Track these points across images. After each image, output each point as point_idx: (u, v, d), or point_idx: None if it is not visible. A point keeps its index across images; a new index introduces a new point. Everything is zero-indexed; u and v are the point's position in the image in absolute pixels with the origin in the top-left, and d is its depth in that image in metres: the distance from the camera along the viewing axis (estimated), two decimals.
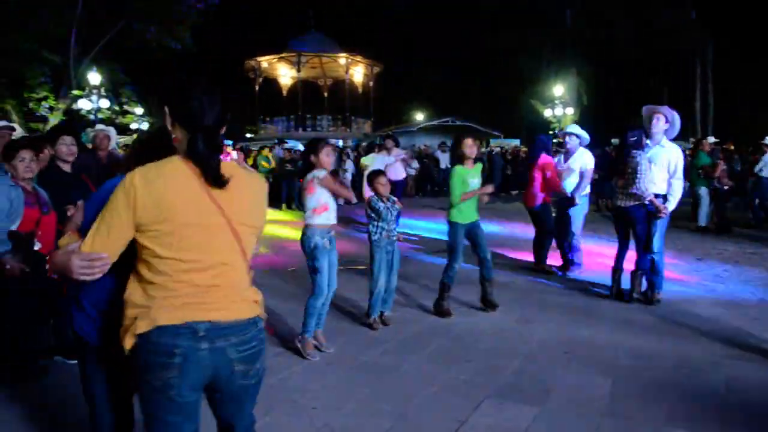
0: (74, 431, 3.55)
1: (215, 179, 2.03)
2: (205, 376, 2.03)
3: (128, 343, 2.00)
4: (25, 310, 4.23)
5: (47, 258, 2.12)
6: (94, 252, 1.99)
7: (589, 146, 8.01)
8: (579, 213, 7.79)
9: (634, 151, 6.11)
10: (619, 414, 3.77)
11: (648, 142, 6.15)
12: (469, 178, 5.93)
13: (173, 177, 2.01)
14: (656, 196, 6.08)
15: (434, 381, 4.31)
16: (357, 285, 7.15)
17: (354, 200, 5.62)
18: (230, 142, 19.47)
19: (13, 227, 4.07)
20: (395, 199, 5.75)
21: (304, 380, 4.35)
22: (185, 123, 2.07)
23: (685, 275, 7.63)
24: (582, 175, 7.68)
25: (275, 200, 15.11)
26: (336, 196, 4.90)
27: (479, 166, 6.19)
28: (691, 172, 11.14)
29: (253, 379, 2.15)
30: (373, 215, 5.54)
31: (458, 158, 6.07)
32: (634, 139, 6.12)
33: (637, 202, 6.14)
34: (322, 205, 4.80)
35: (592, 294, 6.79)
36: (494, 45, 34.88)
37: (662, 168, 6.15)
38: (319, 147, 4.82)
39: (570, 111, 30.04)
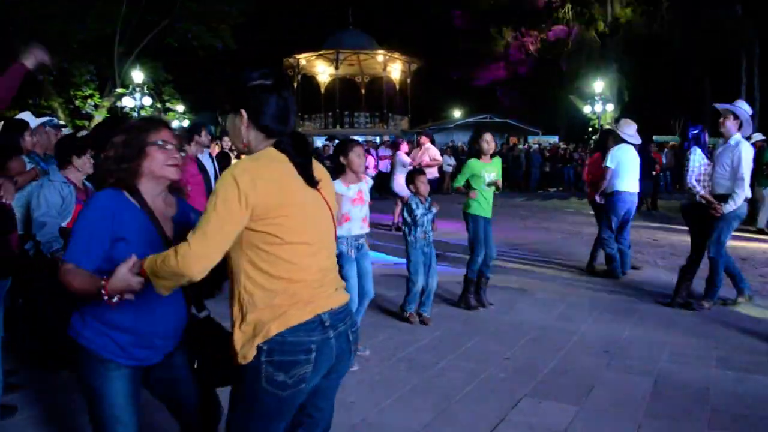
0: None
1: (311, 181, 2.06)
2: (330, 363, 2.06)
3: (251, 350, 1.94)
4: (70, 304, 4.34)
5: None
6: (196, 238, 1.88)
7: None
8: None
9: (692, 147, 6.03)
10: (662, 415, 3.71)
11: (716, 139, 6.06)
12: (483, 171, 5.94)
13: (281, 166, 2.01)
14: (721, 196, 5.80)
15: (473, 378, 4.30)
16: (395, 284, 7.18)
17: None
18: None
19: (64, 224, 4.18)
20: (431, 201, 5.66)
21: None
22: (267, 130, 2.05)
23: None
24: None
25: None
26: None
27: (498, 160, 6.18)
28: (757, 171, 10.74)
29: (353, 359, 2.22)
30: (408, 217, 5.50)
31: (476, 152, 6.07)
32: (694, 133, 6.02)
33: (691, 201, 6.00)
34: (344, 215, 4.63)
35: (634, 293, 6.69)
36: (534, 40, 34.50)
37: (725, 167, 5.85)
38: (349, 147, 4.67)
39: (610, 107, 29.59)
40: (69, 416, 3.73)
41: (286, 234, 1.96)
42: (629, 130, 7.52)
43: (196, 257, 1.86)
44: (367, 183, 4.82)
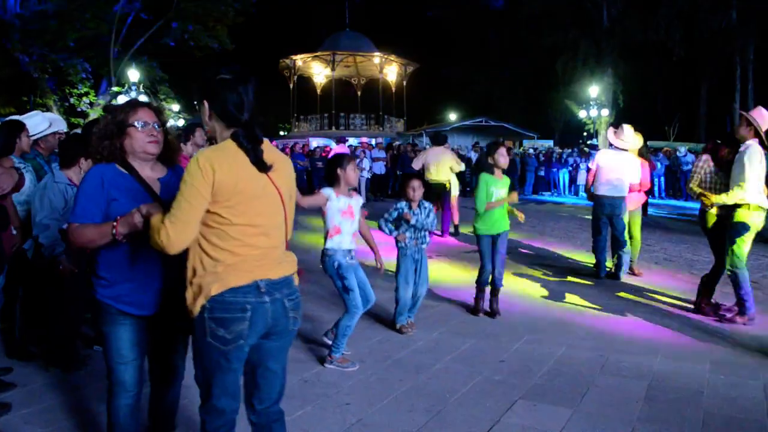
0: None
1: (260, 166, 2.35)
2: (267, 324, 2.39)
3: (198, 305, 2.31)
4: (72, 307, 4.34)
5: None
6: (174, 227, 2.24)
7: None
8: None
9: (703, 155, 6.07)
10: (655, 418, 3.73)
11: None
12: (493, 187, 5.81)
13: (237, 157, 2.32)
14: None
15: (467, 380, 4.31)
16: (388, 283, 7.18)
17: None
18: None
19: (65, 226, 4.16)
20: (429, 206, 5.48)
21: (337, 377, 4.38)
22: (225, 119, 2.38)
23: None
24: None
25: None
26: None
27: (507, 180, 6.01)
28: None
29: (297, 324, 2.54)
30: (389, 219, 5.41)
31: (489, 167, 5.90)
32: (716, 144, 6.00)
33: (705, 207, 5.92)
34: (334, 227, 4.58)
35: (629, 298, 6.72)
36: (529, 44, 34.58)
37: (734, 172, 5.63)
38: (346, 161, 4.62)
39: (605, 112, 29.70)
40: (63, 414, 3.71)
41: (234, 216, 2.30)
42: (619, 135, 7.56)
43: (173, 239, 2.24)
44: (358, 201, 4.76)
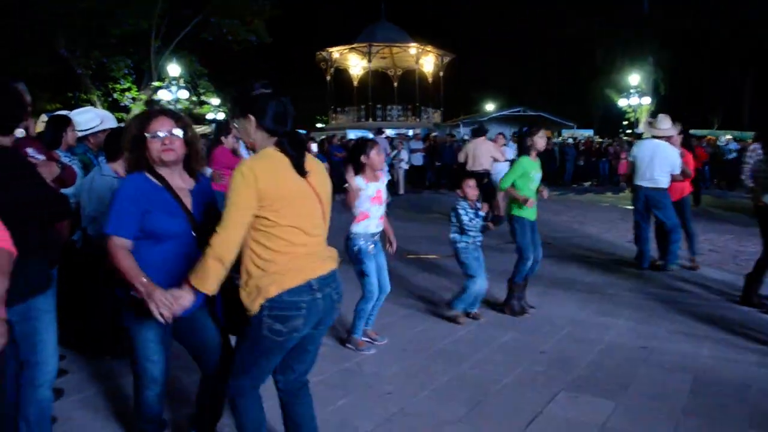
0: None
1: (301, 171, 2.55)
2: (319, 317, 2.61)
3: (257, 304, 2.48)
4: (109, 300, 4.44)
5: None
6: (226, 231, 2.43)
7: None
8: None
9: (755, 144, 5.94)
10: (701, 412, 3.68)
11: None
12: (534, 171, 5.70)
13: (279, 163, 2.50)
14: None
15: (509, 371, 4.31)
16: (428, 274, 7.21)
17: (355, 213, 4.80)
18: (304, 132, 19.79)
19: None
20: (481, 205, 5.45)
21: (378, 366, 4.43)
22: (270, 130, 2.54)
23: None
24: None
25: None
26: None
27: (538, 161, 5.86)
28: None
29: (338, 312, 2.79)
30: (456, 223, 5.36)
31: (527, 149, 5.76)
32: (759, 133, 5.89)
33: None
34: (362, 213, 4.65)
35: (673, 290, 6.61)
36: (569, 33, 34.01)
37: None
38: (369, 146, 4.65)
39: (646, 101, 29.08)
40: (113, 400, 3.84)
41: (279, 219, 2.47)
42: (655, 125, 7.47)
43: (225, 243, 2.43)
44: (383, 181, 4.80)
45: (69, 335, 4.75)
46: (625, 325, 5.37)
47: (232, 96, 2.64)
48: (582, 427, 3.47)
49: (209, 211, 2.85)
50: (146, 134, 2.70)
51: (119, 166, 4.40)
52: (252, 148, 2.64)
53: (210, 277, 2.45)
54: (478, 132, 12.07)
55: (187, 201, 2.78)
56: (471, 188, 5.37)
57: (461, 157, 11.90)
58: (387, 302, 5.05)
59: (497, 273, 6.11)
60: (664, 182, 7.31)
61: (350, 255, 4.70)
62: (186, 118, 2.88)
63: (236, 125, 2.64)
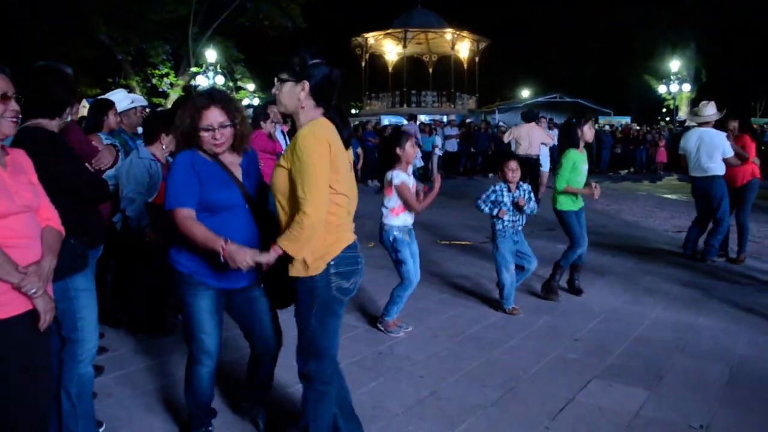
0: None
1: (347, 143, 2.71)
2: (361, 277, 2.76)
3: (324, 263, 2.57)
4: (160, 278, 4.56)
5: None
6: (313, 204, 2.46)
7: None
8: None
9: None
10: (738, 402, 3.62)
11: None
12: (581, 164, 5.64)
13: (334, 130, 2.59)
14: None
15: (541, 357, 4.29)
16: (462, 260, 7.20)
17: (419, 213, 4.87)
18: None
19: (150, 199, 4.37)
20: (527, 187, 5.40)
21: (410, 350, 4.45)
22: (320, 99, 2.59)
23: None
24: None
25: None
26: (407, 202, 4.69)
27: (585, 152, 5.79)
28: None
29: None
30: (494, 206, 5.30)
31: (576, 141, 5.67)
32: None
33: None
34: (400, 206, 4.67)
35: (711, 280, 6.49)
36: (607, 18, 33.34)
37: None
38: (405, 139, 4.66)
39: (687, 88, 28.42)
40: (152, 377, 3.94)
41: (338, 186, 2.57)
42: (697, 112, 7.39)
43: (320, 206, 2.46)
44: (410, 172, 4.83)
45: (117, 313, 4.92)
46: (661, 314, 5.30)
47: (286, 62, 2.61)
48: (614, 415, 3.45)
49: (260, 184, 2.96)
50: (201, 126, 2.72)
51: (157, 149, 4.49)
52: (290, 117, 2.73)
53: (305, 243, 2.50)
54: (529, 116, 12.08)
55: (238, 174, 2.86)
56: (511, 171, 5.25)
57: (507, 139, 12.15)
58: (420, 287, 5.06)
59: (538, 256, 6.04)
60: (715, 169, 7.10)
61: (385, 244, 4.77)
62: (235, 102, 2.88)
63: (282, 90, 2.60)
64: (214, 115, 2.73)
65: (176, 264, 2.84)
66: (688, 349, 4.49)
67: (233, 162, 2.87)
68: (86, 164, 3.09)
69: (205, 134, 2.73)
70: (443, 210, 11.02)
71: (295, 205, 2.51)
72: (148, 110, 6.75)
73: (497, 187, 5.31)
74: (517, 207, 5.26)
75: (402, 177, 4.64)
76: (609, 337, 4.73)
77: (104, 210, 3.76)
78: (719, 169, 7.09)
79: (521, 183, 5.36)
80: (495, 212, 5.27)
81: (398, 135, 4.76)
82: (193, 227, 2.65)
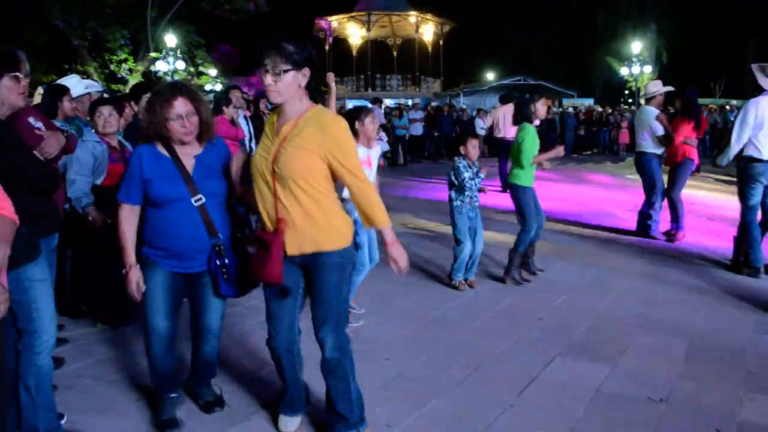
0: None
1: None
2: None
3: (350, 234, 2.78)
4: (110, 261, 4.47)
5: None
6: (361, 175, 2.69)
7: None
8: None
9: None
10: (696, 376, 3.72)
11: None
12: (537, 139, 5.67)
13: None
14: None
15: (506, 337, 4.34)
16: (427, 243, 7.23)
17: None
18: None
19: (98, 182, 4.29)
20: (480, 167, 5.49)
21: (377, 332, 4.46)
22: (311, 87, 2.70)
23: None
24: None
25: None
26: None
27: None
28: None
29: None
30: (455, 181, 5.38)
31: (527, 117, 5.71)
32: None
33: None
34: None
35: (670, 258, 6.63)
36: (572, 0, 33.64)
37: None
38: (364, 114, 4.59)
39: (648, 69, 28.84)
40: (112, 367, 3.88)
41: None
42: (646, 89, 7.69)
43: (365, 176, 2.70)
44: (377, 150, 4.76)
45: (77, 303, 4.82)
46: (623, 292, 5.40)
47: (288, 48, 2.58)
48: (576, 391, 3.51)
49: (227, 178, 3.04)
50: (170, 116, 2.82)
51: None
52: (256, 103, 2.90)
53: (384, 211, 2.70)
54: (506, 99, 12.35)
55: (191, 165, 2.94)
56: (474, 147, 5.39)
57: (488, 123, 12.69)
58: (385, 271, 5.01)
59: (496, 242, 6.12)
60: (645, 146, 7.45)
61: None
62: (200, 94, 2.97)
63: (283, 80, 2.58)
64: (181, 105, 2.83)
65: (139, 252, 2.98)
66: (648, 326, 4.58)
67: (189, 153, 2.96)
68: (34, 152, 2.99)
69: (174, 123, 2.82)
70: (409, 192, 11.04)
71: (319, 184, 2.64)
72: (106, 96, 6.60)
73: (459, 164, 5.36)
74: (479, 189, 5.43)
75: (361, 150, 4.51)
76: (572, 315, 4.80)
77: (59, 198, 3.67)
78: (647, 147, 7.40)
79: (476, 162, 5.48)
80: (474, 178, 5.34)
81: (358, 110, 4.71)
82: (121, 225, 2.92)
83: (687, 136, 7.28)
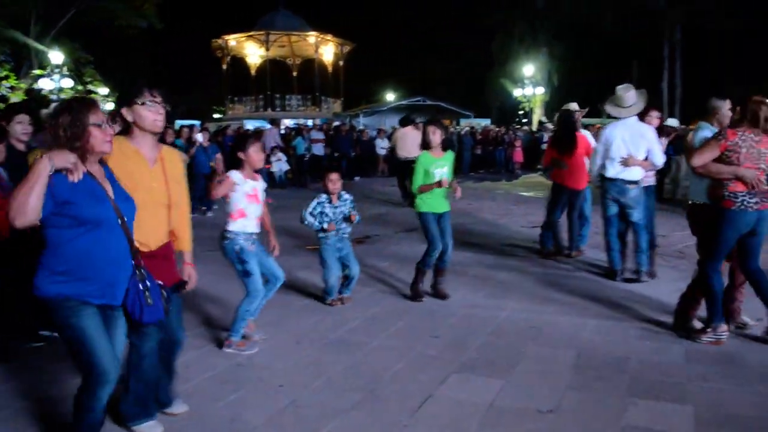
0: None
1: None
2: None
3: None
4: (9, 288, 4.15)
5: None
6: None
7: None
8: None
9: None
10: (584, 385, 3.84)
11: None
12: (433, 167, 5.66)
13: None
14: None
15: (402, 357, 4.33)
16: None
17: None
18: (198, 123, 19.17)
19: None
20: (349, 197, 5.65)
21: (270, 359, 4.33)
22: None
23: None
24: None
25: None
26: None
27: (450, 154, 5.84)
28: None
29: None
30: (317, 216, 5.50)
31: (425, 145, 5.77)
32: None
33: None
34: (239, 211, 4.43)
35: (561, 272, 6.88)
36: (466, 24, 34.82)
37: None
38: (249, 143, 4.47)
39: (540, 91, 30.23)
40: (46, 386, 3.71)
41: None
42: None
43: None
44: (262, 184, 4.64)
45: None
46: (516, 307, 5.53)
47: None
48: (471, 407, 3.54)
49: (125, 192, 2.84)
50: (96, 122, 2.60)
51: None
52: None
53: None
54: (405, 121, 12.68)
55: (108, 188, 2.73)
56: (332, 182, 5.51)
57: (389, 145, 13.03)
58: (280, 294, 4.96)
59: (399, 258, 6.13)
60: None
61: (229, 255, 4.45)
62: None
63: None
64: (101, 115, 2.66)
65: (47, 291, 2.60)
66: (540, 339, 4.71)
67: (100, 173, 2.73)
68: None
69: (96, 131, 2.60)
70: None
71: None
72: None
73: (321, 199, 5.49)
74: (347, 219, 5.56)
75: (235, 177, 4.40)
76: (467, 332, 4.86)
77: None
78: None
79: (342, 193, 5.60)
80: (325, 226, 5.48)
81: (243, 139, 4.60)
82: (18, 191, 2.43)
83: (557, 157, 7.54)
